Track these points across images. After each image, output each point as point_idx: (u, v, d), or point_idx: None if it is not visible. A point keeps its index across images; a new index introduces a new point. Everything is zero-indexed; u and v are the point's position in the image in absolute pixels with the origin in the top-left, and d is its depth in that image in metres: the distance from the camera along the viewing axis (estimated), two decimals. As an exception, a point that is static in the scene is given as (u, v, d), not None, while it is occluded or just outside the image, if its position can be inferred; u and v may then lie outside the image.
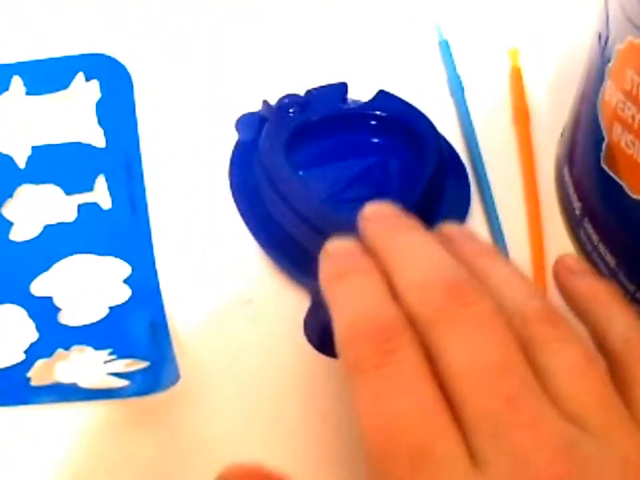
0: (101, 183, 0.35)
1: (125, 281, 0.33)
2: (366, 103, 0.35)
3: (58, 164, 0.35)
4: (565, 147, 0.35)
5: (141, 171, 0.35)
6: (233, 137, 0.35)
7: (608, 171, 0.29)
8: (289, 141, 0.33)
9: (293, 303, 0.32)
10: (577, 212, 0.33)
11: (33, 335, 0.31)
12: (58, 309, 0.32)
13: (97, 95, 0.36)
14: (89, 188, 0.35)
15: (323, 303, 0.32)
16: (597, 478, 0.17)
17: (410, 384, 0.19)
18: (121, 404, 0.30)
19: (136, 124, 0.36)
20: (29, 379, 0.30)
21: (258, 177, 0.33)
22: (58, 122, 0.36)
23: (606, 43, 0.29)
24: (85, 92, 0.36)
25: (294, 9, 0.43)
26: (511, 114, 0.39)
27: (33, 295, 0.32)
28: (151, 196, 0.35)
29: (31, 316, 0.32)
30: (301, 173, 0.33)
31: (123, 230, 0.34)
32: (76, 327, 0.32)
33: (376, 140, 0.35)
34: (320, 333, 0.32)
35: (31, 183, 0.35)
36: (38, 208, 0.34)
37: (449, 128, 0.37)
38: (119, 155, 0.35)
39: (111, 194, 0.34)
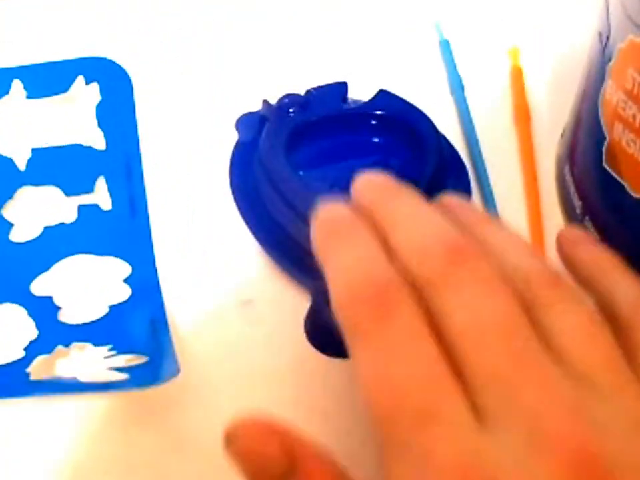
0: (101, 184, 0.35)
1: (125, 281, 0.33)
2: (366, 102, 0.35)
3: (58, 166, 0.35)
4: (565, 146, 0.35)
5: (141, 172, 0.35)
6: (233, 136, 0.35)
7: (609, 170, 0.29)
8: (289, 141, 0.33)
9: (292, 302, 0.32)
10: (578, 211, 0.33)
11: (33, 333, 0.31)
12: (58, 308, 0.32)
13: (97, 97, 0.36)
14: (89, 189, 0.35)
15: (323, 303, 0.32)
16: (609, 438, 0.17)
17: (412, 344, 0.18)
18: (120, 401, 0.30)
19: (136, 126, 0.36)
20: (28, 374, 0.30)
21: (258, 177, 0.33)
22: (58, 125, 0.36)
23: (607, 42, 0.28)
24: (85, 95, 0.36)
25: (294, 9, 0.43)
26: (511, 113, 0.39)
27: (33, 295, 0.32)
28: (151, 196, 0.35)
29: (30, 315, 0.32)
30: (301, 172, 0.33)
31: (123, 231, 0.34)
32: (76, 325, 0.32)
33: (376, 140, 0.34)
34: (320, 333, 0.32)
35: (32, 184, 0.35)
36: (38, 209, 0.34)
37: (449, 127, 0.37)
38: (119, 156, 0.35)
39: (111, 195, 0.35)
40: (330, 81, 0.35)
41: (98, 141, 0.36)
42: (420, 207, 0.22)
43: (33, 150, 0.35)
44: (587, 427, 0.17)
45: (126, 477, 0.29)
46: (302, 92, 0.35)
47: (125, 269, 0.33)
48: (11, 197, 0.34)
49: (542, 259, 0.22)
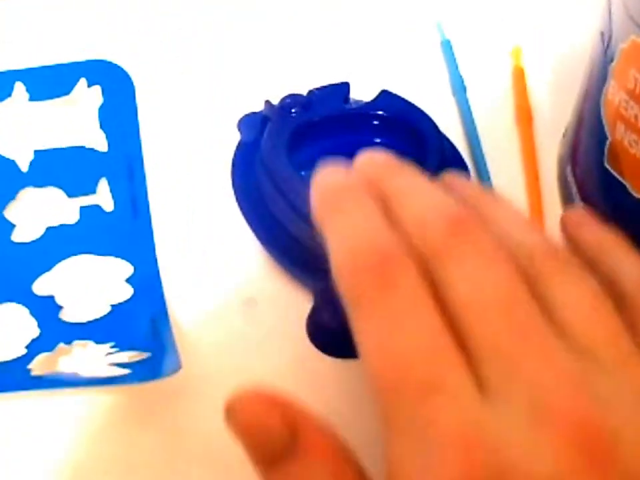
0: (103, 185, 0.35)
1: (127, 281, 0.33)
2: (368, 102, 0.35)
3: (60, 167, 0.35)
4: (567, 147, 0.35)
5: (143, 173, 0.35)
6: (235, 137, 0.35)
7: (611, 170, 0.29)
8: (291, 141, 0.33)
9: (294, 302, 0.32)
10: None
11: (35, 332, 0.31)
12: (60, 307, 0.32)
13: (99, 100, 0.36)
14: (92, 191, 0.35)
15: (325, 302, 0.32)
16: (612, 411, 0.17)
17: (416, 315, 0.18)
18: (121, 399, 0.30)
19: (138, 128, 0.36)
20: (29, 370, 0.30)
21: (260, 177, 0.33)
22: (60, 127, 0.36)
23: (609, 42, 0.28)
24: (87, 97, 0.36)
25: (296, 9, 0.43)
26: (513, 113, 0.39)
27: (35, 294, 0.32)
28: (153, 197, 0.35)
29: (32, 314, 0.32)
30: (303, 173, 0.33)
31: (124, 231, 0.34)
32: (78, 324, 0.32)
33: (378, 140, 0.34)
34: (322, 332, 0.32)
35: (34, 185, 0.35)
36: (40, 210, 0.34)
37: (451, 127, 0.37)
38: (121, 158, 0.35)
39: (113, 196, 0.35)
40: (332, 81, 0.35)
41: (100, 142, 0.36)
42: (422, 183, 0.22)
43: (36, 152, 0.35)
44: (589, 400, 0.17)
45: (126, 474, 0.29)
46: (304, 92, 0.35)
47: (127, 269, 0.33)
48: (13, 198, 0.35)
49: (544, 235, 0.22)
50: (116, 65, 0.37)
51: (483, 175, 0.36)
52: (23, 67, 0.37)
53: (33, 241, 0.34)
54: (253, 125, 0.35)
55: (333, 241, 0.20)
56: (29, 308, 0.32)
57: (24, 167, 0.35)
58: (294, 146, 0.33)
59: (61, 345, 0.31)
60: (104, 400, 0.30)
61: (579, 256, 0.23)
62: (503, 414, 0.17)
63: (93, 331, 0.31)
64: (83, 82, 0.37)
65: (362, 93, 0.35)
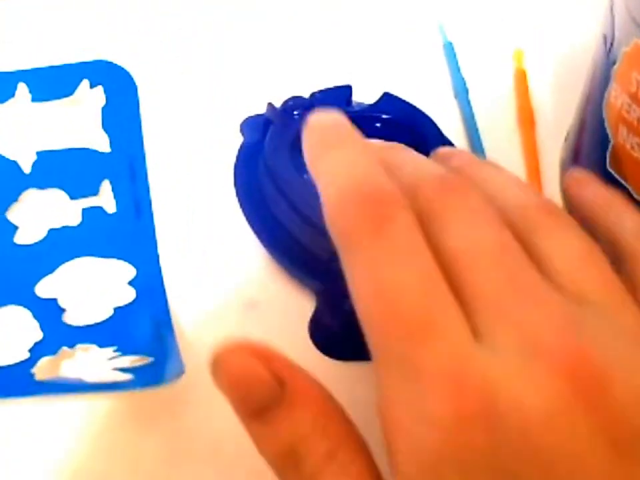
0: (105, 187, 0.35)
1: (130, 283, 0.33)
2: (371, 105, 0.35)
3: (63, 169, 0.35)
4: (569, 150, 0.35)
5: (145, 175, 0.35)
6: (237, 138, 0.35)
7: (614, 173, 0.29)
8: (293, 143, 0.33)
9: (297, 304, 0.32)
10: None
11: (38, 335, 0.31)
12: (62, 310, 0.32)
13: (102, 101, 0.36)
14: (94, 192, 0.35)
15: (327, 305, 0.32)
16: (604, 349, 0.17)
17: (410, 255, 0.18)
18: (122, 401, 0.30)
19: (140, 129, 0.36)
20: (32, 375, 0.30)
21: (262, 179, 0.33)
22: (63, 128, 0.36)
23: (611, 45, 0.28)
24: (89, 98, 0.36)
25: (298, 12, 0.43)
26: (515, 116, 0.39)
27: (37, 297, 0.32)
28: (155, 199, 0.35)
29: (35, 317, 0.32)
30: (305, 175, 0.33)
31: (127, 233, 0.34)
32: (80, 327, 0.32)
33: (381, 142, 0.34)
34: (324, 335, 0.32)
35: (36, 187, 0.35)
36: (43, 212, 0.34)
37: (453, 130, 0.37)
38: (123, 159, 0.35)
39: (115, 198, 0.35)
40: (334, 84, 0.35)
41: (103, 144, 0.36)
42: (414, 154, 0.22)
43: (38, 153, 0.35)
44: (580, 336, 0.17)
45: (128, 478, 0.29)
46: (306, 95, 0.35)
47: (130, 271, 0.33)
48: (15, 199, 0.35)
49: (539, 193, 0.22)
50: (119, 65, 0.37)
51: (485, 177, 0.36)
52: (25, 68, 0.37)
53: (36, 243, 0.34)
54: (255, 127, 0.35)
55: (323, 181, 0.20)
56: (31, 311, 0.32)
57: (26, 168, 0.35)
58: (296, 148, 0.33)
59: (64, 349, 0.31)
60: (106, 401, 0.30)
61: (581, 215, 0.23)
62: (494, 352, 0.17)
63: (96, 334, 0.31)
64: (85, 83, 0.37)
65: (364, 95, 0.35)
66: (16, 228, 0.34)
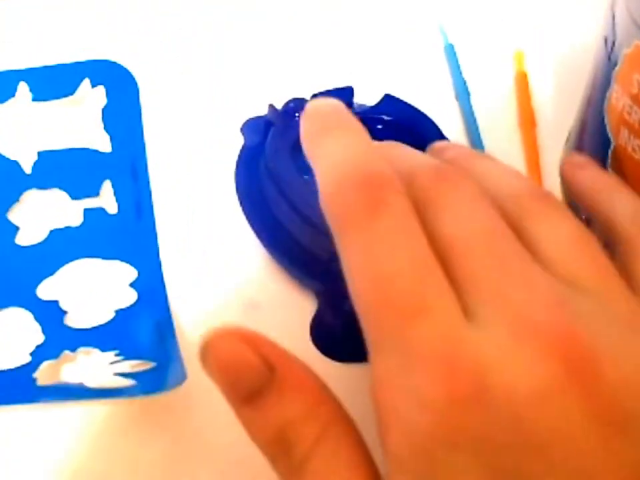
0: (107, 188, 0.35)
1: (131, 285, 0.33)
2: (372, 107, 0.35)
3: (64, 169, 0.35)
4: (571, 152, 0.35)
5: (146, 175, 0.35)
6: (239, 141, 0.35)
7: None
8: (294, 145, 0.33)
9: (298, 306, 0.32)
10: (583, 216, 0.33)
11: (39, 338, 0.31)
12: (64, 312, 0.32)
13: (103, 100, 0.36)
14: (95, 193, 0.35)
15: (328, 306, 0.32)
16: (596, 329, 0.17)
17: (404, 238, 0.18)
18: (125, 405, 0.30)
19: (142, 129, 0.36)
20: (34, 379, 0.30)
21: (263, 181, 0.33)
22: (64, 128, 0.36)
23: (612, 47, 0.28)
24: (91, 98, 0.36)
25: (298, 12, 0.43)
26: (516, 118, 0.39)
27: (39, 299, 0.32)
28: (157, 200, 0.35)
29: (37, 319, 0.32)
30: (306, 177, 0.33)
31: (128, 234, 0.34)
32: (82, 330, 0.32)
33: (382, 144, 0.35)
34: (326, 337, 0.32)
35: (37, 187, 0.35)
36: (44, 213, 0.34)
37: (454, 131, 0.37)
38: (125, 160, 0.35)
39: (116, 199, 0.35)
40: (335, 86, 0.35)
41: (104, 144, 0.36)
42: (410, 149, 0.22)
43: (39, 153, 0.35)
44: (571, 317, 0.17)
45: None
46: (308, 96, 0.35)
47: (131, 273, 0.33)
48: (16, 200, 0.34)
49: (533, 181, 0.22)
50: (120, 65, 0.37)
51: (486, 179, 0.36)
52: (26, 67, 0.37)
53: (37, 244, 0.34)
54: (256, 128, 0.35)
55: (319, 164, 0.20)
56: (33, 313, 0.32)
57: (27, 168, 0.35)
58: (297, 150, 0.32)
59: (66, 352, 0.31)
60: (107, 407, 0.30)
61: (577, 199, 0.24)
62: (486, 334, 0.17)
63: (98, 337, 0.31)
64: (86, 82, 0.37)
65: (365, 97, 0.35)
66: (17, 229, 0.34)
